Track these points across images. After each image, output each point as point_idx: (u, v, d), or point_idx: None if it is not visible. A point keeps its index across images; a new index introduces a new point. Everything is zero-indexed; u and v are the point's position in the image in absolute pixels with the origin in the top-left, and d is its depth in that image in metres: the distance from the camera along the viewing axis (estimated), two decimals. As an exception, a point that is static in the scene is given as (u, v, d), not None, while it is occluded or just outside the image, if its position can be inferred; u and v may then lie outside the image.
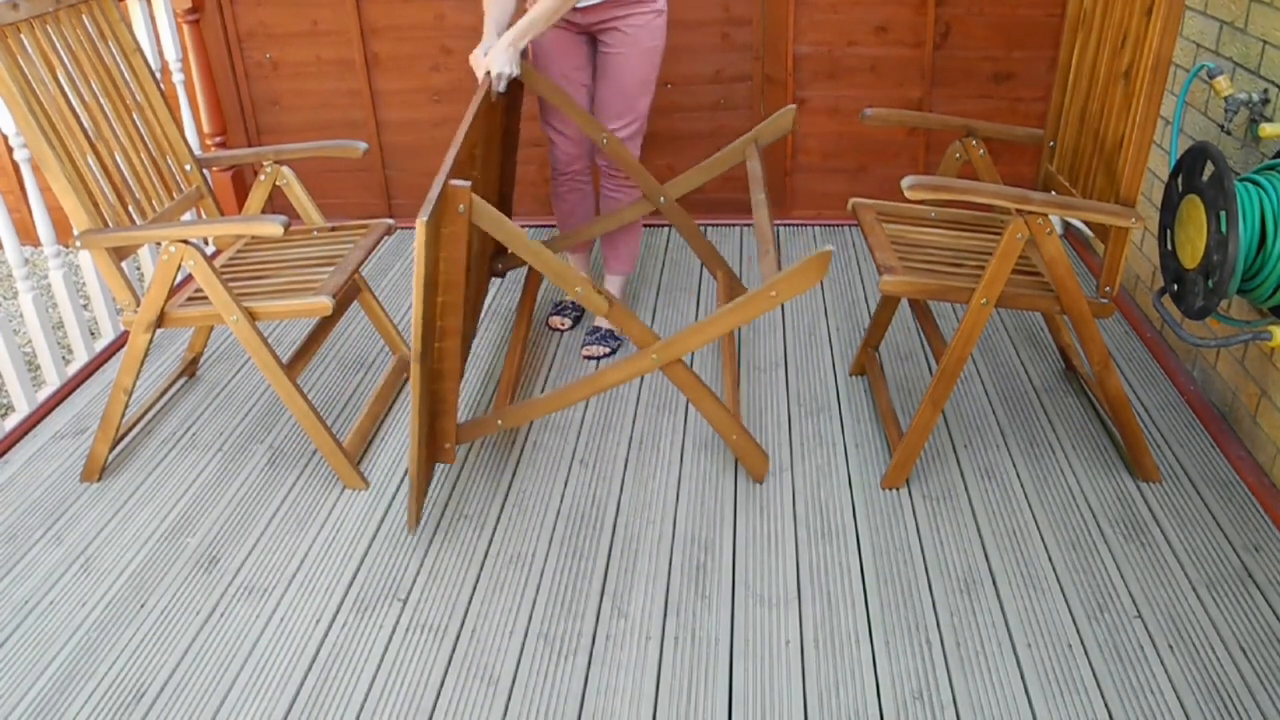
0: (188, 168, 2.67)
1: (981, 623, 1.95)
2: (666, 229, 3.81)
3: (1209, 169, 2.10)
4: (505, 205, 3.08)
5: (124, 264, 2.39)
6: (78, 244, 2.29)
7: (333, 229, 2.69)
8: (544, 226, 3.90)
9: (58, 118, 2.28)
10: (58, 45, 2.35)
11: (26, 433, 2.69)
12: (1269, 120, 2.27)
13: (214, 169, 3.84)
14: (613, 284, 3.14)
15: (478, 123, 2.26)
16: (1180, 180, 2.22)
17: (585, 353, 2.96)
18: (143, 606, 2.07)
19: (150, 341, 2.35)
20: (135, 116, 2.54)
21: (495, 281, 3.42)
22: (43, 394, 2.81)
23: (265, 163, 2.71)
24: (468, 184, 1.94)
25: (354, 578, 2.12)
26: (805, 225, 3.86)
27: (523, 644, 1.94)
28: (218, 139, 3.87)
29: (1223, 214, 2.02)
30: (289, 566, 2.16)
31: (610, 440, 2.55)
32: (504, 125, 2.82)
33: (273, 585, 2.11)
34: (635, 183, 2.90)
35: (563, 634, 1.96)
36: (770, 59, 3.60)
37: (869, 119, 2.64)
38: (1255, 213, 2.03)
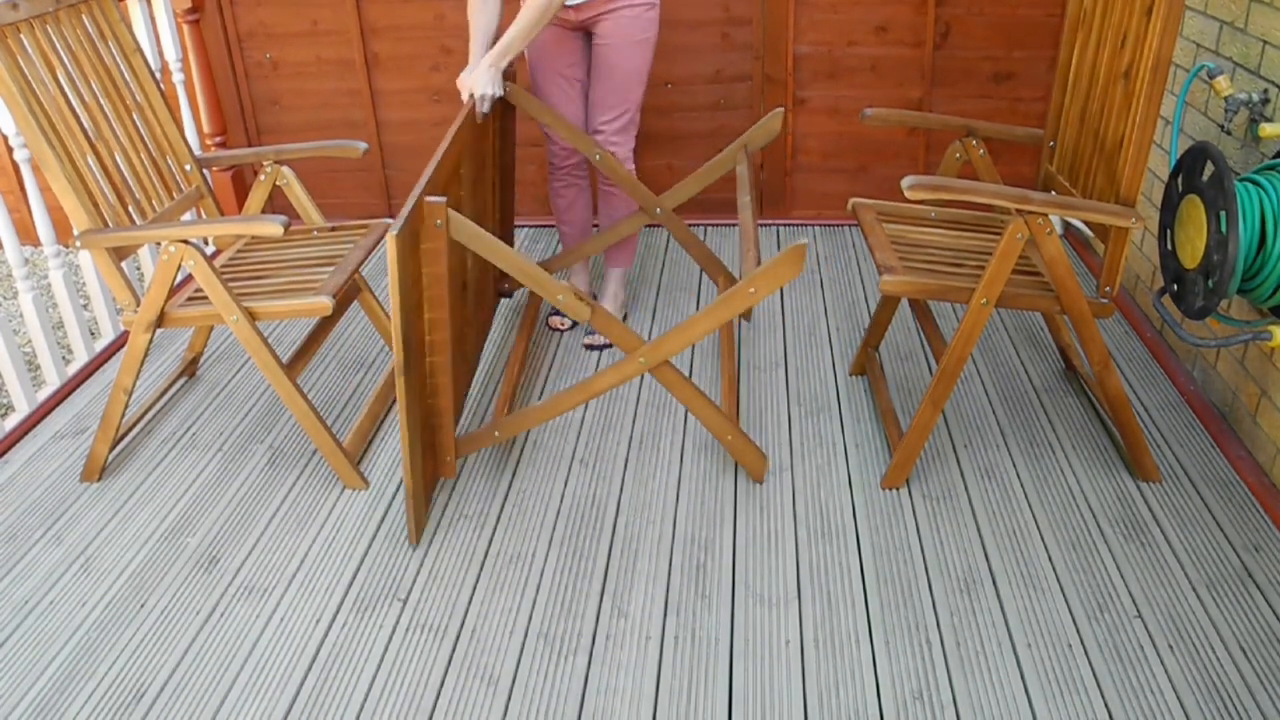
0: (188, 168, 2.67)
1: (981, 623, 1.95)
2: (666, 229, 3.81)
3: (1209, 169, 2.10)
4: (506, 231, 3.08)
5: (124, 264, 2.39)
6: (78, 244, 2.29)
7: (333, 229, 2.69)
8: (544, 227, 3.90)
9: (58, 118, 2.28)
10: (58, 45, 2.35)
11: (26, 433, 2.69)
12: (1269, 120, 2.27)
13: (214, 169, 3.84)
14: (613, 278, 3.15)
15: (463, 142, 2.26)
16: (1180, 180, 2.22)
17: (586, 341, 2.98)
18: (143, 606, 2.07)
19: (150, 341, 2.35)
20: (135, 116, 2.54)
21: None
22: (43, 394, 2.81)
23: (265, 163, 2.72)
24: (443, 199, 1.95)
25: (354, 578, 2.12)
26: (805, 225, 3.86)
27: (523, 644, 1.94)
28: (218, 139, 3.87)
29: (1223, 214, 2.02)
30: (289, 566, 2.16)
31: (610, 440, 2.55)
32: (496, 148, 2.83)
33: (273, 585, 2.11)
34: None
35: (563, 634, 1.96)
36: (770, 59, 3.60)
37: (869, 119, 2.64)
38: (1255, 213, 2.03)
